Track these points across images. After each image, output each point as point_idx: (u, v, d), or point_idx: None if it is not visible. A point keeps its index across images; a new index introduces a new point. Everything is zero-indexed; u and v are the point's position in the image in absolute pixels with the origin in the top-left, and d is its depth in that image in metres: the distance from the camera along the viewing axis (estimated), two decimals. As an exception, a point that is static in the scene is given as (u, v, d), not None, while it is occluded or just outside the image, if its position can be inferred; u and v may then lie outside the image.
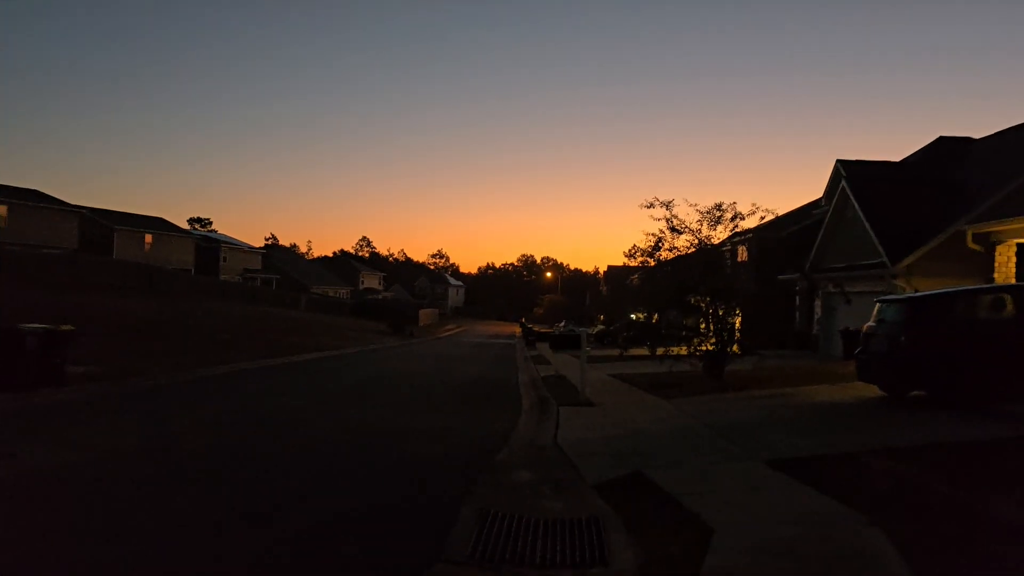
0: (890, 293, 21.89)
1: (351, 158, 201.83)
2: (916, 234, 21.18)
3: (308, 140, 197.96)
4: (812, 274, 18.66)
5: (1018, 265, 17.84)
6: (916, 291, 10.94)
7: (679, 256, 15.79)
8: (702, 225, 15.69)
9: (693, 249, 15.69)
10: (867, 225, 22.43)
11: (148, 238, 64.54)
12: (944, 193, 22.99)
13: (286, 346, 29.53)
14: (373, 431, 10.18)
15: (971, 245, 18.12)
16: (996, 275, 17.54)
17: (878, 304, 11.65)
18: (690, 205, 15.94)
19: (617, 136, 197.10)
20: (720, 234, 15.70)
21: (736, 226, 15.49)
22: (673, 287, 15.85)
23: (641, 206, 15.91)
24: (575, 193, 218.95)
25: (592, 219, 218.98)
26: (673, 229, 15.67)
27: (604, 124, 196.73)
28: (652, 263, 15.96)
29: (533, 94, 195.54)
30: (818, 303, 26.91)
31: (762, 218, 15.47)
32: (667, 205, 15.70)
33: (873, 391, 11.63)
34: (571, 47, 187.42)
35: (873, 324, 11.36)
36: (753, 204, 15.80)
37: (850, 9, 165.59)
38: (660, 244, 15.79)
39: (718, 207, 15.56)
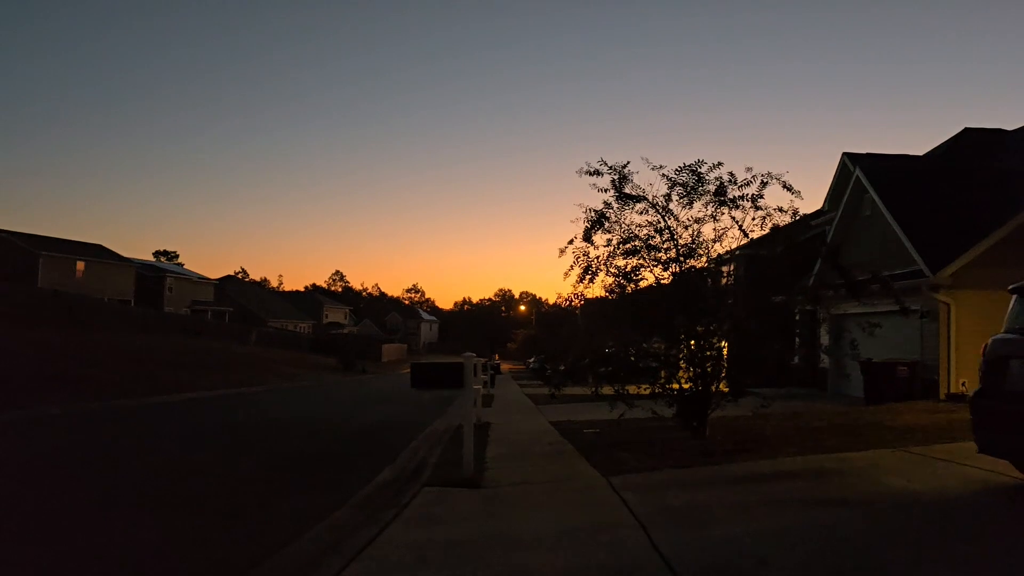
0: (928, 310, 16.70)
1: (326, 191, 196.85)
2: (960, 236, 16.01)
3: (280, 173, 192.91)
4: (818, 291, 13.10)
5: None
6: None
7: (637, 247, 10.00)
8: (669, 201, 10.06)
9: (656, 235, 9.95)
10: (895, 226, 17.21)
11: (80, 265, 58.68)
12: (987, 187, 17.88)
13: (164, 384, 23.84)
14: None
15: (1055, 239, 12.93)
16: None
17: (1016, 297, 5.83)
18: (653, 168, 10.16)
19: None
20: (698, 213, 10.06)
21: (725, 198, 9.89)
22: (629, 297, 10.21)
23: (579, 173, 10.22)
24: (556, 228, 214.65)
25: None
26: (623, 196, 9.84)
27: (585, 154, 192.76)
28: (587, 247, 10.00)
29: (515, 127, 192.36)
30: (824, 329, 21.50)
31: (764, 183, 9.85)
32: (618, 170, 10.10)
33: (1001, 470, 6.03)
34: (548, 73, 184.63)
35: (1014, 337, 5.58)
36: (748, 169, 10.03)
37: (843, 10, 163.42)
38: (603, 220, 9.95)
39: (694, 170, 9.94)
